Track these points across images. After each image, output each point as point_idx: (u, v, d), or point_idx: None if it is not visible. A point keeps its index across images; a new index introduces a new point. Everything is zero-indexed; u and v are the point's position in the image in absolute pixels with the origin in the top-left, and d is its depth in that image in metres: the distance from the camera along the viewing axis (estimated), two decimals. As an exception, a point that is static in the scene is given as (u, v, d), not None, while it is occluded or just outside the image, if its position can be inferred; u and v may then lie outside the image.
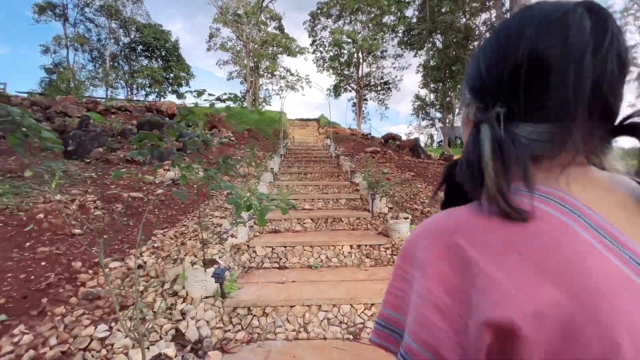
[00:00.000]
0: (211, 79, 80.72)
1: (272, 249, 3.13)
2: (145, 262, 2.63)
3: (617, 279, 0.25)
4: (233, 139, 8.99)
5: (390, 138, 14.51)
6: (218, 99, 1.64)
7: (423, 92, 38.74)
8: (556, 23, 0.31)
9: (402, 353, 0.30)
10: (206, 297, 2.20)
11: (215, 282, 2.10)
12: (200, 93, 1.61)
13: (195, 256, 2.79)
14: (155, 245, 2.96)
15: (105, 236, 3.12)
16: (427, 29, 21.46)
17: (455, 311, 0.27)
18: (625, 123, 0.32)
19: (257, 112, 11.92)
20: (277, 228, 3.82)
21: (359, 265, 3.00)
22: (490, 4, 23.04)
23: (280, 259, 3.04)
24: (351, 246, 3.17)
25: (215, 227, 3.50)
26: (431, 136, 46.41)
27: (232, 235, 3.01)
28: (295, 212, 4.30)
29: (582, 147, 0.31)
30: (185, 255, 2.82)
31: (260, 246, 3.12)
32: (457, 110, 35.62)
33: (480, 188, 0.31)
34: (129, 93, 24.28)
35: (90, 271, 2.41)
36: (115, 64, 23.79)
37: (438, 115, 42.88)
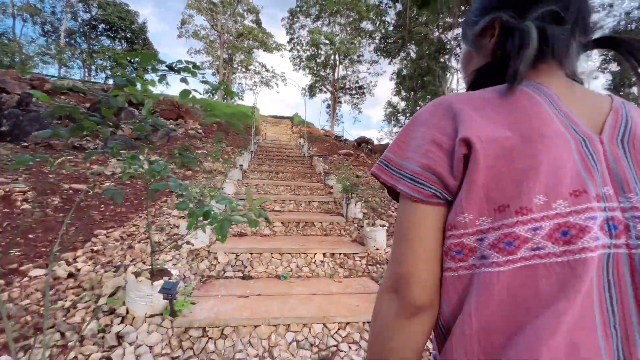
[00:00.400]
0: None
1: (236, 255, 2.78)
2: (78, 270, 2.18)
3: (554, 131, 0.37)
4: (200, 131, 8.39)
5: (363, 142, 14.55)
6: (171, 67, 1.29)
7: (395, 99, 39.87)
8: None
9: (407, 174, 0.42)
10: (151, 316, 1.82)
11: (164, 298, 1.74)
12: (147, 57, 1.24)
13: (144, 263, 2.37)
14: (95, 248, 2.49)
15: (31, 236, 2.60)
16: (405, 37, 21.95)
17: (447, 142, 0.40)
18: (606, 36, 0.46)
19: (228, 106, 11.29)
20: (243, 231, 3.47)
21: (332, 276, 2.75)
22: (461, 21, 24.08)
23: (245, 267, 2.71)
24: (324, 254, 2.91)
25: (172, 228, 3.08)
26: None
27: (187, 242, 2.62)
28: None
29: (576, 54, 0.46)
30: (132, 261, 2.39)
31: (223, 252, 2.76)
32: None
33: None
34: (87, 75, 22.21)
35: (1, 281, 1.92)
36: (72, 41, 21.64)
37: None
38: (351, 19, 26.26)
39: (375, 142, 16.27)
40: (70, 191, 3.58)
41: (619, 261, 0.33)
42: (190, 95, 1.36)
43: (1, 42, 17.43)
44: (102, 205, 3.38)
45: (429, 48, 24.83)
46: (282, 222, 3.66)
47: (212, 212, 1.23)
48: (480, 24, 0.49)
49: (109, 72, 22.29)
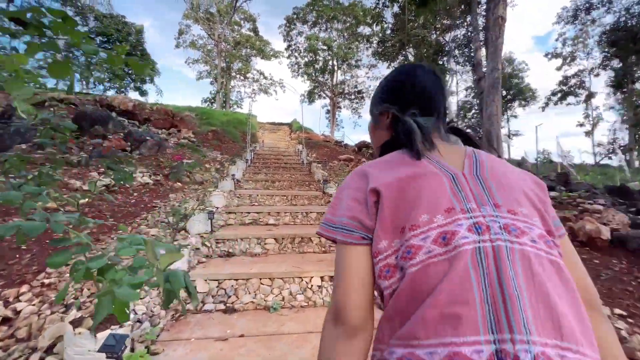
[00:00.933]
0: (180, 79, 77.42)
1: (219, 283, 2.36)
2: (18, 312, 1.76)
3: (430, 171, 0.55)
4: (194, 140, 8.02)
5: (364, 146, 14.15)
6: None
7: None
8: (426, 74, 0.69)
9: (340, 226, 0.55)
10: (95, 379, 1.40)
11: (107, 358, 1.32)
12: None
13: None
14: (48, 281, 2.08)
15: (-28, 267, 2.19)
16: (403, 40, 21.71)
17: (362, 196, 0.55)
18: (450, 125, 0.72)
19: (225, 113, 10.93)
20: (230, 251, 3.05)
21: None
22: (459, 22, 23.94)
23: (229, 297, 2.28)
24: (322, 278, 2.49)
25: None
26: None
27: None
28: (256, 229, 3.56)
29: (442, 131, 0.67)
30: (89, 297, 1.98)
31: (203, 280, 2.34)
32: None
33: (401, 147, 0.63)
34: (85, 87, 22.06)
35: None
36: (69, 54, 21.54)
37: (408, 126, 44.11)
38: (348, 24, 26.12)
39: None
40: (41, 210, 3.19)
41: (487, 250, 0.46)
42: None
43: (-2, 57, 17.26)
44: (71, 225, 2.98)
45: (427, 51, 24.60)
46: (275, 239, 3.24)
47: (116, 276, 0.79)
48: (380, 109, 0.72)
49: (107, 84, 22.17)
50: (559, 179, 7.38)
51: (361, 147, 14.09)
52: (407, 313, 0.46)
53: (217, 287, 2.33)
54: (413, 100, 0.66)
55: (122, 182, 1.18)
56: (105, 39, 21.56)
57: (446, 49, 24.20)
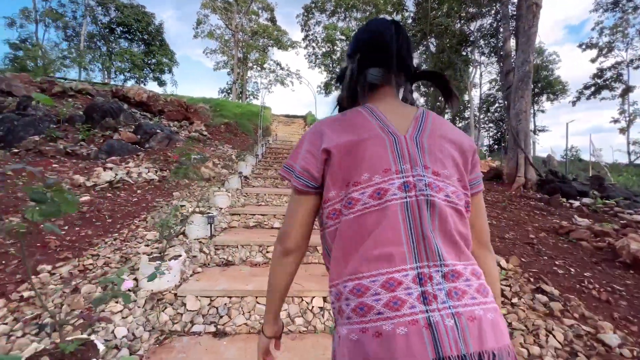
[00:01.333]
0: (199, 69, 78.18)
1: (211, 300, 2.15)
2: (-13, 333, 1.61)
3: (375, 134, 0.63)
4: (205, 133, 7.88)
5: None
6: None
7: (415, 94, 38.41)
8: (383, 25, 0.72)
9: (295, 174, 0.67)
10: None
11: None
12: None
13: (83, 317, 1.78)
14: (27, 294, 1.93)
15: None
16: (425, 30, 20.72)
17: (316, 152, 0.65)
18: (419, 72, 0.76)
19: (239, 105, 10.70)
20: (229, 259, 2.84)
21: (332, 331, 2.06)
22: (485, 11, 22.56)
23: (221, 316, 2.07)
24: (324, 298, 2.23)
25: (140, 257, 2.50)
26: None
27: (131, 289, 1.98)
28: (260, 233, 3.34)
29: (395, 82, 0.74)
30: (68, 314, 1.81)
31: (194, 296, 2.14)
32: (446, 116, 35.40)
33: (348, 102, 0.74)
34: (106, 77, 22.51)
35: None
36: (92, 45, 21.97)
37: (427, 119, 42.72)
38: (368, 13, 25.22)
39: None
40: (37, 208, 3.09)
41: (412, 203, 0.59)
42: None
43: (25, 47, 17.78)
44: (67, 226, 2.86)
45: (450, 40, 23.41)
46: (278, 247, 3.02)
47: None
48: (342, 68, 0.79)
49: (127, 74, 22.52)
50: (593, 183, 6.74)
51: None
52: (350, 253, 0.60)
53: (208, 305, 2.12)
54: (368, 53, 0.72)
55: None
56: (126, 29, 21.81)
57: (470, 39, 22.95)
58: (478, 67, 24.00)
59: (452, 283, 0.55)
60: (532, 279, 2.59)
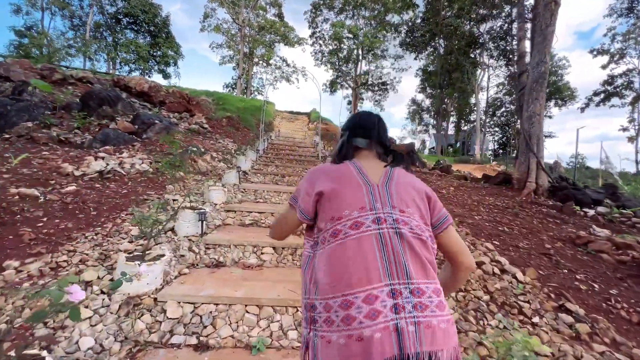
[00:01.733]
0: (206, 63, 77.98)
1: (195, 307, 1.91)
2: None
3: (356, 182, 0.85)
4: (206, 126, 7.65)
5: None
6: None
7: (420, 96, 37.97)
8: (370, 116, 1.05)
9: (299, 210, 0.89)
10: None
11: None
12: None
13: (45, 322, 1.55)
14: (-14, 293, 1.70)
15: None
16: (434, 30, 20.33)
17: (311, 193, 0.86)
18: (391, 147, 1.02)
19: (242, 100, 10.44)
20: (220, 260, 2.60)
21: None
22: (496, 12, 22.14)
23: (205, 326, 1.82)
24: (322, 309, 1.99)
25: (119, 254, 2.26)
26: (423, 142, 45.69)
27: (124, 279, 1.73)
28: (255, 232, 3.10)
29: (375, 149, 1.00)
30: (27, 320, 1.58)
31: (176, 302, 1.90)
32: (451, 118, 34.96)
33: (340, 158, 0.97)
34: (112, 67, 22.35)
35: None
36: (98, 34, 21.80)
37: (432, 121, 42.28)
38: (376, 11, 24.88)
39: (396, 142, 14.93)
40: (17, 197, 2.86)
41: (384, 234, 0.76)
42: None
43: (30, 35, 17.62)
44: (45, 217, 2.63)
45: (458, 42, 23.00)
46: (274, 248, 2.77)
47: None
48: (341, 132, 1.08)
49: (132, 66, 22.33)
50: (606, 191, 6.45)
51: (381, 141, 13.39)
52: (339, 276, 0.74)
53: (192, 312, 1.88)
54: (357, 130, 1.02)
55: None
56: (132, 20, 21.61)
57: (480, 41, 22.54)
58: (486, 69, 23.59)
59: (418, 298, 0.71)
60: (552, 295, 2.33)
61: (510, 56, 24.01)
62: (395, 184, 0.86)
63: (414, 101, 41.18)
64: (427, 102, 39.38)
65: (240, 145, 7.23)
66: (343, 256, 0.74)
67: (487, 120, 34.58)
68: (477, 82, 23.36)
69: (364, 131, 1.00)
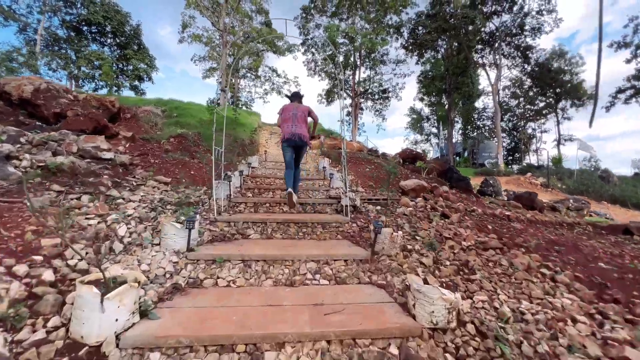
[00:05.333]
0: (197, 81, 74.95)
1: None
2: None
3: (290, 106, 3.74)
4: (123, 160, 3.82)
5: (411, 157, 9.74)
6: None
7: (419, 105, 34.87)
8: (296, 92, 4.21)
9: (279, 114, 4.01)
10: None
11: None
12: None
13: None
14: None
15: None
16: (447, 22, 17.03)
17: (281, 112, 3.92)
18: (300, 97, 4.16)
19: (209, 109, 6.66)
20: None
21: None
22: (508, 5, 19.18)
23: None
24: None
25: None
26: (424, 152, 42.34)
27: None
28: None
29: (296, 100, 4.11)
30: None
31: None
32: (457, 125, 31.70)
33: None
34: (73, 84, 18.61)
35: None
36: (57, 47, 18.17)
37: (433, 130, 39.05)
38: (372, 14, 21.79)
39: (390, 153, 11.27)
40: None
41: (292, 115, 3.75)
42: None
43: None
44: None
45: (470, 39, 19.85)
46: None
47: None
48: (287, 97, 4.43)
49: (99, 82, 18.64)
50: None
51: (407, 158, 9.69)
52: (282, 126, 3.58)
53: None
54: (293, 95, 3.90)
55: None
56: (96, 30, 18.07)
57: (496, 35, 19.39)
58: (498, 69, 20.37)
59: (299, 127, 3.51)
60: None
61: (527, 52, 21.03)
62: (296, 107, 3.61)
63: (413, 110, 38.08)
64: (427, 110, 36.39)
65: (184, 189, 3.46)
66: (285, 121, 3.55)
67: (492, 125, 31.45)
68: (492, 83, 20.09)
69: (295, 96, 3.85)
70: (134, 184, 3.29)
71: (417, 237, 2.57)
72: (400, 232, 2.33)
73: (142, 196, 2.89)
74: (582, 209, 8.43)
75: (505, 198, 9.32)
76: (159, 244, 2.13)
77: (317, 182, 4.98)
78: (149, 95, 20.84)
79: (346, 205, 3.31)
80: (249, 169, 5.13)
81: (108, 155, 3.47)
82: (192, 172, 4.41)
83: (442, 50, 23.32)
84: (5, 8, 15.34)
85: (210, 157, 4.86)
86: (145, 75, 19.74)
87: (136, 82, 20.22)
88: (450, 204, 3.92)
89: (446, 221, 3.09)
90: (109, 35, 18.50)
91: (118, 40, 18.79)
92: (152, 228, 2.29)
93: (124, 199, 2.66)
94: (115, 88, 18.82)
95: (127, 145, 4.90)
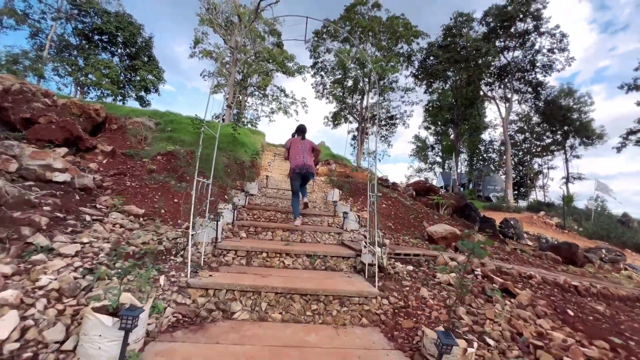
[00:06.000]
0: (196, 94, 75.98)
1: None
2: None
3: (296, 141, 4.12)
4: (86, 181, 2.99)
5: (424, 190, 8.89)
6: None
7: (424, 133, 34.63)
8: (301, 125, 4.31)
9: (285, 149, 4.48)
10: None
11: None
12: None
13: None
14: None
15: None
16: (460, 54, 16.81)
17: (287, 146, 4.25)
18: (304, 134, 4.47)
19: (209, 125, 6.13)
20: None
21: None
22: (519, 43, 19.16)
23: None
24: None
25: None
26: (426, 180, 41.60)
27: None
28: None
29: (302, 136, 4.43)
30: None
31: None
32: (462, 156, 31.19)
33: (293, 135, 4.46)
34: (79, 92, 18.21)
35: None
36: (66, 54, 17.94)
37: (437, 159, 38.53)
38: (384, 42, 21.81)
39: (398, 181, 10.47)
40: None
41: (300, 150, 4.09)
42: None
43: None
44: None
45: (481, 71, 19.63)
46: None
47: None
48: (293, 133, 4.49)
49: (107, 91, 18.23)
50: None
51: (420, 190, 8.84)
52: (292, 160, 3.95)
53: None
54: (298, 129, 4.19)
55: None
56: (107, 40, 17.92)
57: (507, 69, 19.20)
58: (508, 102, 20.02)
59: (307, 159, 3.89)
60: None
61: (539, 88, 20.78)
62: (302, 143, 3.97)
63: (418, 138, 37.79)
64: (432, 139, 36.06)
65: (160, 224, 2.60)
66: (293, 155, 3.92)
67: (497, 158, 30.96)
68: (502, 116, 19.66)
69: (300, 131, 4.14)
70: (89, 218, 2.43)
71: (487, 341, 1.67)
72: (475, 346, 1.43)
73: (86, 243, 2.01)
74: (617, 261, 7.43)
75: (529, 243, 8.36)
76: (73, 351, 1.24)
77: (326, 219, 4.11)
78: (156, 107, 20.43)
79: (370, 265, 2.43)
80: (246, 199, 4.29)
81: (62, 177, 2.64)
82: (175, 201, 3.56)
83: (451, 81, 23.23)
84: (19, 13, 15.17)
85: (204, 181, 4.03)
86: (152, 87, 19.39)
87: (142, 93, 19.86)
88: (500, 265, 3.02)
89: (512, 302, 2.19)
90: (120, 45, 18.32)
91: (128, 51, 18.60)
92: (72, 314, 1.41)
93: (52, 250, 1.79)
94: (120, 97, 18.42)
95: (104, 162, 4.08)
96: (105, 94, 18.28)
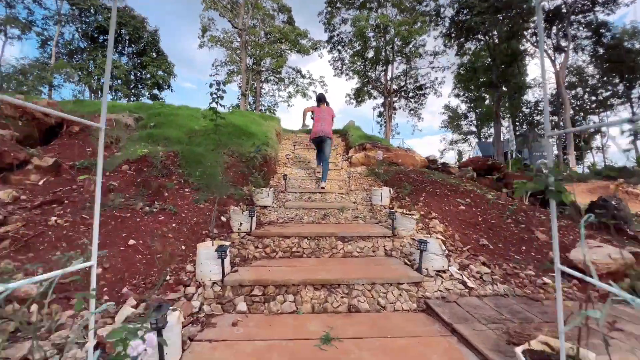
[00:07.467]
0: (229, 92, 75.46)
1: None
2: None
3: (321, 110, 4.64)
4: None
5: (485, 168, 6.91)
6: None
7: (455, 101, 31.27)
8: (322, 94, 4.85)
9: (310, 110, 4.91)
10: None
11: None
12: None
13: None
14: None
15: None
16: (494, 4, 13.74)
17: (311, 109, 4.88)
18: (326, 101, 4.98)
19: (206, 115, 4.72)
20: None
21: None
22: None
23: None
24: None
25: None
26: (460, 153, 38.04)
27: None
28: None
29: (324, 102, 4.91)
30: None
31: None
32: (506, 123, 27.71)
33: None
34: (93, 95, 17.62)
35: None
36: (77, 58, 17.28)
37: (472, 128, 34.89)
38: (407, 2, 18.84)
39: (438, 156, 8.25)
40: None
41: (321, 116, 4.70)
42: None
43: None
44: None
45: (524, 21, 16.34)
46: None
47: None
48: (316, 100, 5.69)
49: (117, 93, 17.49)
50: None
51: (480, 168, 6.88)
52: (315, 124, 4.54)
53: None
54: (319, 98, 4.62)
55: None
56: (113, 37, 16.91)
57: (562, 11, 15.72)
58: (563, 53, 16.58)
59: (326, 125, 4.38)
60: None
61: (602, 29, 17.00)
62: (325, 110, 4.48)
63: (447, 107, 34.25)
64: (464, 107, 32.46)
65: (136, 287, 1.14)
66: (317, 121, 4.42)
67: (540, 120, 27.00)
68: (558, 68, 16.37)
69: (321, 99, 4.58)
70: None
71: None
72: None
73: None
74: None
75: (642, 229, 6.16)
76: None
77: (380, 243, 2.48)
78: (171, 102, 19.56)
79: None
80: (251, 221, 2.71)
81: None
82: (132, 242, 2.09)
83: (487, 37, 19.86)
84: (22, 21, 14.45)
85: (192, 197, 2.51)
86: (163, 83, 18.32)
87: (156, 91, 18.90)
88: None
89: None
90: (126, 42, 17.25)
91: (135, 48, 17.51)
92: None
93: None
94: (132, 97, 17.58)
95: (40, 183, 2.71)
96: (119, 96, 17.54)
